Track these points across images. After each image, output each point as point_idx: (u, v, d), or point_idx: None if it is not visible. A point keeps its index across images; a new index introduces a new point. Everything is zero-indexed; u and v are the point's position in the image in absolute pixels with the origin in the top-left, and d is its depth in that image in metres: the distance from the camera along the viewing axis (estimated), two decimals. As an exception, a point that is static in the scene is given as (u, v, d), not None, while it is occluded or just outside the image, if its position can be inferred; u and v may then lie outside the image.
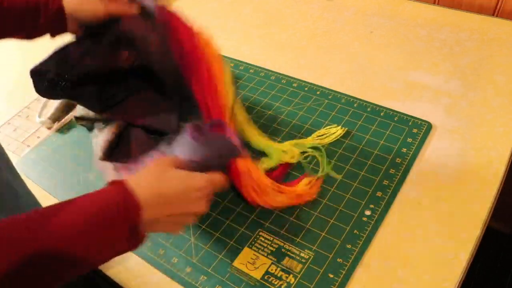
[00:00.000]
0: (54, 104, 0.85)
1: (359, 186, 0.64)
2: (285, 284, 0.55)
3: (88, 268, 0.42)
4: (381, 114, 0.74)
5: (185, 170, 0.50)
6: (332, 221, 0.60)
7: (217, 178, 0.52)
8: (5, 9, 0.58)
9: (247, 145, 0.68)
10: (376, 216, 0.60)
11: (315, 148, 0.69)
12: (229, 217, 0.63)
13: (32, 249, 0.38)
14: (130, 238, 0.43)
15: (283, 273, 0.56)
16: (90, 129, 0.70)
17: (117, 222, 0.42)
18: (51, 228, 0.39)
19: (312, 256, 0.57)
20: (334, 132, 0.71)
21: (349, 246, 0.57)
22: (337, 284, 0.54)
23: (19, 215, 0.40)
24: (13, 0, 0.58)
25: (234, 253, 0.59)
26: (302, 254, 0.58)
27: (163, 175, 0.48)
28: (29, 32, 0.61)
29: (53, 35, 0.62)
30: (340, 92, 0.79)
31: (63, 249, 0.39)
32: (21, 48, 1.06)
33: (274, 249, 0.58)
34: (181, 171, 0.49)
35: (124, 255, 0.60)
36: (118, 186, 0.44)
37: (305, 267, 0.56)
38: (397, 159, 0.66)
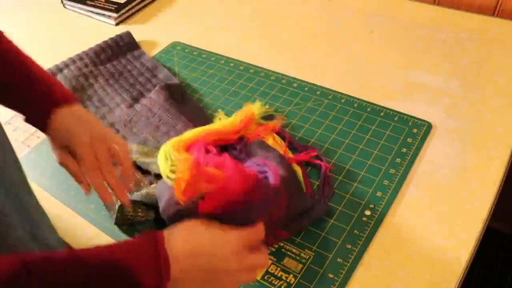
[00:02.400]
0: (54, 104, 0.84)
1: (359, 186, 0.64)
2: (285, 284, 0.55)
3: None
4: (381, 114, 0.74)
5: (216, 225, 0.46)
6: (332, 221, 0.60)
7: (252, 232, 0.46)
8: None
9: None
10: (376, 216, 0.60)
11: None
12: (229, 217, 0.63)
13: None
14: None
15: (283, 273, 0.56)
16: None
17: (145, 271, 0.41)
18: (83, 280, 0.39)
19: (312, 256, 0.57)
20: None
21: (349, 246, 0.57)
22: (337, 284, 0.54)
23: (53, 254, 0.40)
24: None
25: (234, 253, 0.59)
26: (302, 254, 0.58)
27: (194, 229, 0.45)
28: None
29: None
30: (340, 92, 0.79)
31: None
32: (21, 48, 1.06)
33: (274, 249, 0.58)
34: (213, 227, 0.45)
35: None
36: (149, 237, 0.43)
37: (305, 267, 0.56)
38: (397, 159, 0.66)
